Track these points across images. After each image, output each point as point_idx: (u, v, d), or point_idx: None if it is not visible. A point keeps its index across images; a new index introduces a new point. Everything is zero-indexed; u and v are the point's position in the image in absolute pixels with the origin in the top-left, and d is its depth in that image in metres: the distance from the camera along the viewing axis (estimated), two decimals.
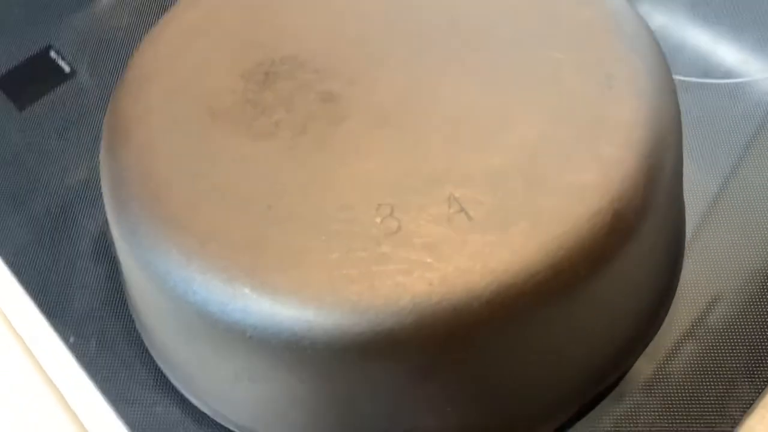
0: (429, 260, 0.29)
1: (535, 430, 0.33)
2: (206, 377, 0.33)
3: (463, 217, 0.30)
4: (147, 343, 0.37)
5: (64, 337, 0.39)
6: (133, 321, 0.39)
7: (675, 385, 0.35)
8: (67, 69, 0.47)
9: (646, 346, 0.35)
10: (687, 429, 0.34)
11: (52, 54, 0.48)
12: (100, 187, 0.43)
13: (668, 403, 0.34)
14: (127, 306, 0.39)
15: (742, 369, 0.35)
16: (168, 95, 0.34)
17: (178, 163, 0.32)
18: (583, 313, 0.30)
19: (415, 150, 0.31)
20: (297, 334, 0.28)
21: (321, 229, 0.30)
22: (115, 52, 0.49)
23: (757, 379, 0.35)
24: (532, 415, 0.32)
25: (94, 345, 0.39)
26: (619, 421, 0.34)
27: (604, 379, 0.33)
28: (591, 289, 0.29)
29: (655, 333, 0.35)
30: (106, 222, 0.40)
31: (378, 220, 0.30)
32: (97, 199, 0.43)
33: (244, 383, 0.31)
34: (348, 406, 0.30)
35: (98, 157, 0.44)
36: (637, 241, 0.30)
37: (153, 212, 0.31)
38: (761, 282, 0.37)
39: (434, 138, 0.32)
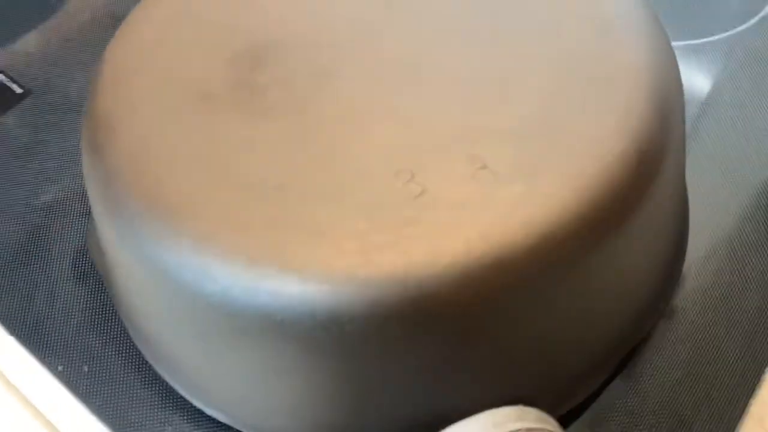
0: (461, 218, 0.27)
1: (580, 388, 0.32)
2: (225, 380, 0.31)
3: (488, 173, 0.29)
4: (150, 357, 0.34)
5: (51, 367, 0.36)
6: (128, 339, 0.36)
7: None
8: (18, 90, 0.45)
9: (673, 293, 0.34)
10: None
11: (1, 77, 0.45)
12: (72, 205, 0.41)
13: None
14: (120, 324, 0.37)
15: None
16: (152, 86, 0.32)
17: (174, 153, 0.30)
18: (618, 258, 0.29)
19: (425, 114, 0.30)
20: (333, 311, 0.26)
21: (342, 201, 0.28)
22: (67, 69, 0.46)
23: None
24: (576, 372, 0.31)
25: (87, 371, 0.36)
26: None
27: (641, 329, 0.33)
28: (624, 231, 0.29)
29: (678, 281, 0.35)
30: (87, 237, 0.38)
31: (399, 185, 0.28)
32: (69, 218, 0.40)
33: (270, 378, 0.29)
34: (386, 387, 0.29)
35: (64, 175, 0.42)
36: (661, 181, 0.30)
37: (155, 206, 0.29)
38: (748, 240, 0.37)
39: (443, 101, 0.31)
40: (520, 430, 0.29)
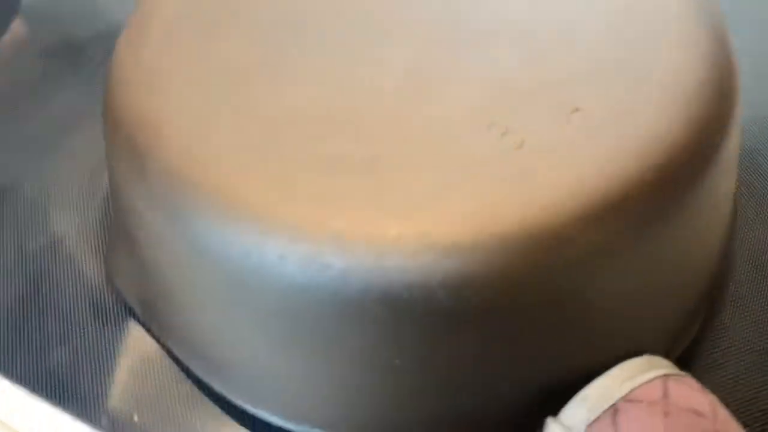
0: (572, 162, 0.26)
1: (688, 330, 0.31)
2: (330, 383, 0.27)
3: (582, 115, 0.27)
4: (223, 385, 0.30)
5: (94, 422, 0.31)
6: (176, 376, 0.32)
7: None
8: None
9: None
10: None
11: None
12: (72, 243, 0.36)
13: None
14: (164, 362, 0.32)
15: None
16: (184, 77, 0.29)
17: (239, 143, 0.27)
18: (715, 188, 0.29)
19: (493, 69, 0.29)
20: (480, 273, 0.24)
21: (443, 165, 0.26)
22: (18, 107, 0.41)
23: None
24: (684, 315, 0.30)
25: (138, 420, 0.31)
26: None
27: (730, 265, 0.32)
28: (720, 158, 0.28)
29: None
30: (110, 271, 0.33)
31: (496, 139, 0.27)
32: (73, 257, 0.36)
33: (386, 367, 0.26)
34: (521, 354, 0.26)
35: (52, 216, 0.37)
36: (737, 109, 0.30)
37: (239, 203, 0.25)
38: None
39: (506, 55, 0.29)
40: (656, 377, 0.27)
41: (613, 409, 0.27)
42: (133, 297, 0.32)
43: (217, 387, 0.30)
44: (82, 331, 0.34)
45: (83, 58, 0.43)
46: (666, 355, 0.29)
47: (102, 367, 0.33)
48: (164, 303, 0.30)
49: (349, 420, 0.28)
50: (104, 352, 0.33)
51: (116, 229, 0.32)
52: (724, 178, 0.29)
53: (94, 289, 0.35)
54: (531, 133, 0.27)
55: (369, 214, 0.25)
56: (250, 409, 0.30)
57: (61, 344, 0.33)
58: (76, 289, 0.35)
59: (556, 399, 0.27)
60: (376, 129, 0.27)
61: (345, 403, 0.28)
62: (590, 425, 0.27)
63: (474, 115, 0.27)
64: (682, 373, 0.28)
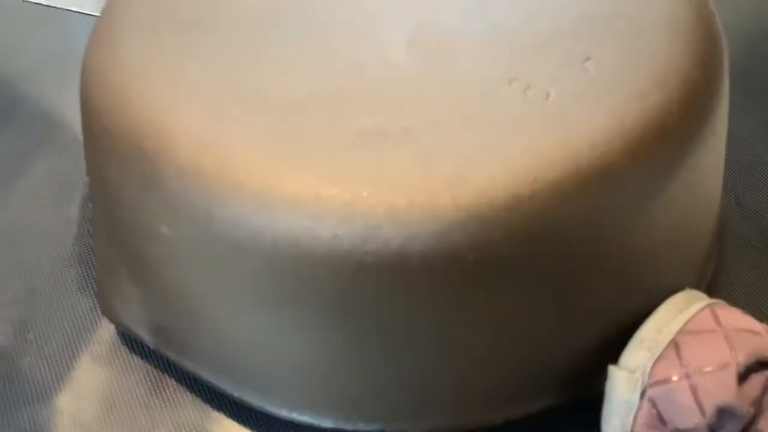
0: (604, 106, 0.26)
1: (710, 263, 0.31)
2: (390, 370, 0.26)
3: (595, 63, 0.27)
4: (262, 397, 0.27)
5: None
6: (201, 412, 0.29)
7: None
8: None
9: None
10: None
11: None
12: (49, 287, 0.33)
13: None
14: (187, 400, 0.30)
15: None
16: (185, 78, 0.27)
17: (260, 131, 0.25)
18: (725, 113, 0.29)
19: (496, 29, 0.28)
20: (537, 224, 0.23)
21: (475, 124, 0.26)
22: None
23: None
24: (708, 247, 0.31)
25: None
26: None
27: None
28: (725, 87, 0.29)
29: None
30: (109, 301, 0.30)
31: (522, 94, 0.26)
32: (60, 296, 0.32)
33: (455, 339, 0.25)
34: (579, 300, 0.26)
35: (27, 253, 0.34)
36: (724, 43, 0.31)
37: (278, 187, 0.24)
38: None
39: (505, 16, 0.29)
40: (704, 307, 0.28)
41: (674, 344, 0.27)
42: (142, 325, 0.29)
43: (256, 402, 0.28)
44: (78, 375, 0.30)
45: (20, 92, 0.40)
46: (697, 288, 0.30)
47: (105, 409, 0.30)
48: (187, 321, 0.28)
49: (410, 406, 0.27)
50: (106, 394, 0.30)
51: (112, 257, 0.29)
52: (726, 108, 0.30)
53: (86, 328, 0.32)
54: (553, 85, 0.27)
55: (420, 182, 0.24)
56: (297, 417, 0.28)
57: (57, 392, 0.30)
58: (66, 331, 0.32)
59: (609, 349, 0.27)
60: (400, 99, 0.26)
61: (409, 388, 0.27)
62: (655, 364, 0.27)
63: (491, 73, 0.27)
64: (719, 300, 0.29)
